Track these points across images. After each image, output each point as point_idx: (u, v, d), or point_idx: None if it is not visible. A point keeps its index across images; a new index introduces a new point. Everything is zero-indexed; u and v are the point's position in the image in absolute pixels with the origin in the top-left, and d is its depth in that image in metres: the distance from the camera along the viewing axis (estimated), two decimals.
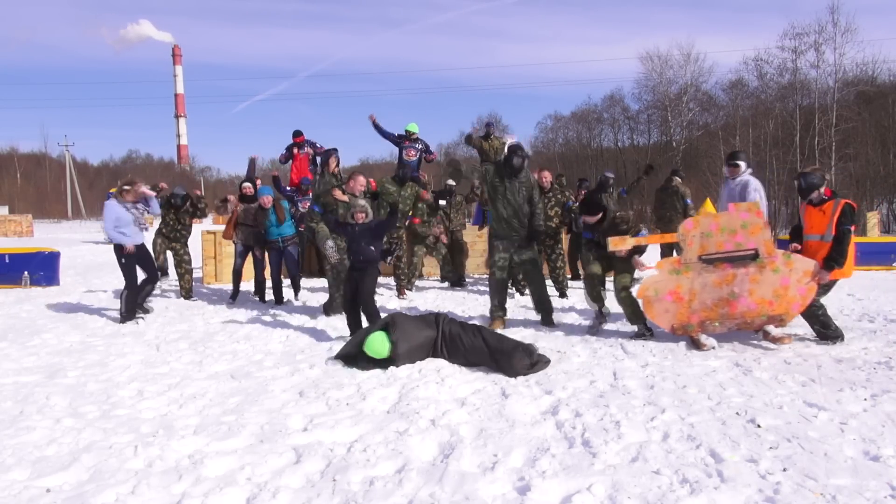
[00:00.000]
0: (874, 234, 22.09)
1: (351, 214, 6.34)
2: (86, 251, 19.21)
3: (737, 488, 2.90)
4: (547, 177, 8.97)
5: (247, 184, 9.30)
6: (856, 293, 9.27)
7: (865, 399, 4.17)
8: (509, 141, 9.46)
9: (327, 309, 7.64)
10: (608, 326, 6.78)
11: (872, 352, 5.52)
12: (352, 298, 6.14)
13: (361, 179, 7.72)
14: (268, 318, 7.48)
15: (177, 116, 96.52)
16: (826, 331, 5.81)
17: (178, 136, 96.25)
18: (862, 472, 3.05)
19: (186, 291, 9.06)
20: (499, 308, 6.99)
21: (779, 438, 3.48)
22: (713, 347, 5.62)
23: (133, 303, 7.46)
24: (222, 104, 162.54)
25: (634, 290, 6.11)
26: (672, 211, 10.65)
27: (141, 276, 7.59)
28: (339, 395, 4.40)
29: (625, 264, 6.28)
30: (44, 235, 31.03)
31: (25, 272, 10.52)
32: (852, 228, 5.67)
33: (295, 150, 11.37)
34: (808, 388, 4.42)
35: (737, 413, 3.91)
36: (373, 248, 6.13)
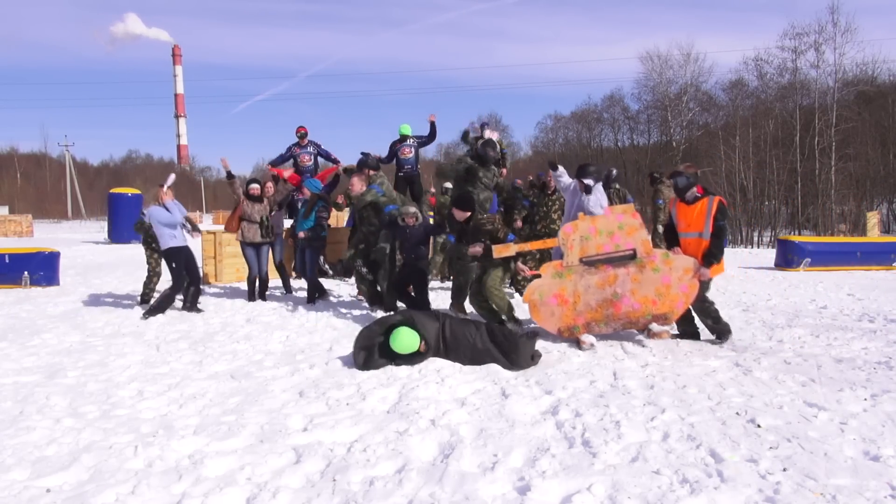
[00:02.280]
0: (874, 234, 22.09)
1: (402, 217, 7.22)
2: (86, 251, 19.19)
3: (737, 488, 2.90)
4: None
5: (254, 185, 9.24)
6: (856, 293, 9.27)
7: (865, 399, 4.17)
8: (487, 133, 9.47)
9: (374, 300, 7.84)
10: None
11: (872, 352, 5.52)
12: (398, 286, 7.19)
13: (355, 180, 7.98)
14: (268, 319, 7.48)
15: (177, 116, 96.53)
16: (717, 325, 5.93)
17: (178, 136, 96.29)
18: (862, 472, 3.05)
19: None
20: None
21: (779, 438, 3.48)
22: (592, 345, 5.70)
23: (167, 303, 7.74)
24: (222, 104, 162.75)
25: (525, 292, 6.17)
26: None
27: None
28: (339, 395, 4.40)
29: (498, 260, 6.36)
30: (44, 235, 31.02)
31: (25, 272, 10.51)
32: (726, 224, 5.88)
33: (297, 150, 11.28)
34: (808, 388, 4.42)
35: (737, 413, 3.91)
36: (423, 247, 7.27)
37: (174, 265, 7.80)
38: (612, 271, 5.83)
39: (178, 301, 8.26)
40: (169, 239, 7.77)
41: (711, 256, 5.75)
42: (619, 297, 5.83)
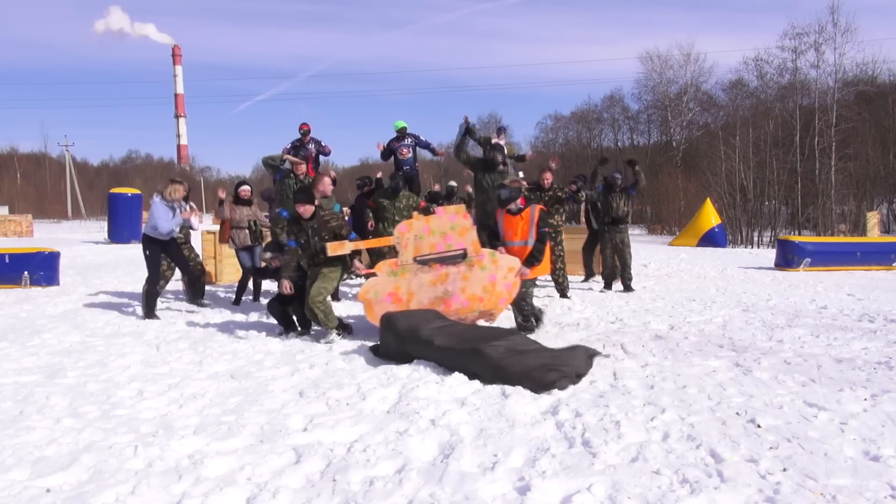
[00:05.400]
0: (874, 234, 22.09)
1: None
2: (86, 251, 19.19)
3: (737, 488, 2.90)
4: (548, 178, 9.00)
5: (244, 187, 9.22)
6: (856, 293, 9.27)
7: (865, 399, 4.17)
8: (494, 139, 9.66)
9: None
10: (608, 326, 6.79)
11: (872, 352, 5.52)
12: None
13: (327, 180, 7.87)
14: (268, 318, 7.47)
15: (177, 116, 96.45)
16: (525, 323, 6.26)
17: (178, 136, 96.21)
18: (862, 472, 3.05)
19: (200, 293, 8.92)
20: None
21: (779, 438, 3.48)
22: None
23: (151, 297, 7.69)
24: (222, 104, 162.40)
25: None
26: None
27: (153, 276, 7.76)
28: (339, 395, 4.40)
29: (334, 265, 6.21)
30: (44, 235, 31.01)
31: (25, 272, 10.51)
32: (548, 230, 6.45)
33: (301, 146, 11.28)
34: (808, 388, 4.42)
35: (737, 413, 3.91)
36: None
37: (148, 252, 7.65)
38: (444, 270, 6.05)
39: (179, 302, 8.25)
40: (151, 230, 7.59)
41: (534, 258, 6.25)
42: (449, 294, 6.04)
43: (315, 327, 6.47)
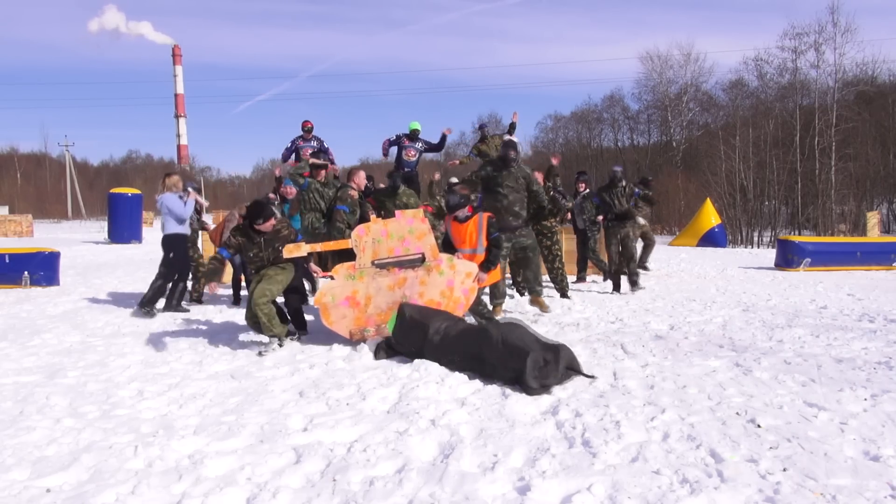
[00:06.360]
0: (874, 234, 22.10)
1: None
2: (86, 251, 19.19)
3: (737, 488, 2.90)
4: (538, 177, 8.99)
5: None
6: (856, 293, 9.27)
7: (865, 399, 4.17)
8: (507, 137, 9.71)
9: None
10: (608, 326, 6.79)
11: (872, 352, 5.52)
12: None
13: (362, 174, 7.86)
14: None
15: (177, 116, 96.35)
16: None
17: (178, 136, 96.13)
18: (862, 472, 3.05)
19: (199, 294, 8.98)
20: (500, 295, 7.40)
21: (779, 438, 3.48)
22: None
23: (160, 294, 7.79)
24: (223, 104, 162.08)
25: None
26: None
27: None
28: (339, 395, 4.40)
29: (280, 267, 5.98)
30: (44, 235, 31.00)
31: (25, 272, 10.50)
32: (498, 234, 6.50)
33: (301, 143, 11.30)
34: (808, 388, 4.42)
35: (737, 413, 3.91)
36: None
37: (172, 254, 7.80)
38: (402, 274, 5.98)
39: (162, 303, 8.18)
40: (173, 226, 7.82)
41: (489, 263, 6.31)
42: (407, 299, 5.96)
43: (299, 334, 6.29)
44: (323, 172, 8.93)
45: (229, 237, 5.99)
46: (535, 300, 7.58)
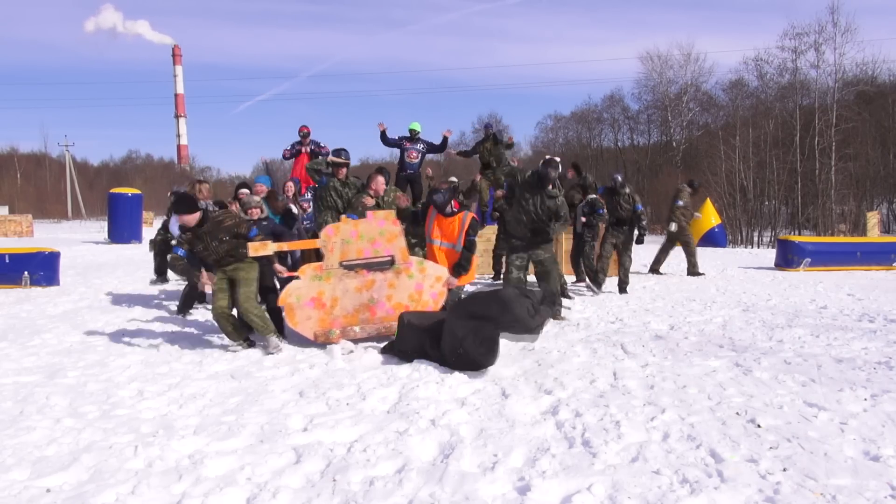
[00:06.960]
0: (874, 234, 22.09)
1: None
2: (86, 251, 19.18)
3: (737, 488, 2.90)
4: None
5: (244, 189, 9.19)
6: (856, 293, 9.27)
7: (865, 399, 4.17)
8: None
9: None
10: (608, 326, 6.79)
11: (872, 352, 5.52)
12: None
13: (381, 179, 7.68)
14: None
15: (177, 116, 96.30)
16: None
17: (178, 136, 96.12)
18: (862, 472, 3.05)
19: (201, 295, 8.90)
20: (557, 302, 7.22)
21: (779, 438, 3.49)
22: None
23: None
24: (223, 104, 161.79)
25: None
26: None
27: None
28: (339, 395, 4.40)
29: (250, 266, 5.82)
30: (44, 235, 30.99)
31: (25, 272, 10.49)
32: (477, 239, 6.49)
33: (301, 148, 11.36)
34: (808, 388, 4.42)
35: (737, 413, 3.91)
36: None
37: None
38: (370, 276, 5.92)
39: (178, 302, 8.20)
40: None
41: (461, 267, 6.28)
42: (375, 302, 5.91)
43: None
44: (344, 171, 8.89)
45: (179, 235, 5.78)
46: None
